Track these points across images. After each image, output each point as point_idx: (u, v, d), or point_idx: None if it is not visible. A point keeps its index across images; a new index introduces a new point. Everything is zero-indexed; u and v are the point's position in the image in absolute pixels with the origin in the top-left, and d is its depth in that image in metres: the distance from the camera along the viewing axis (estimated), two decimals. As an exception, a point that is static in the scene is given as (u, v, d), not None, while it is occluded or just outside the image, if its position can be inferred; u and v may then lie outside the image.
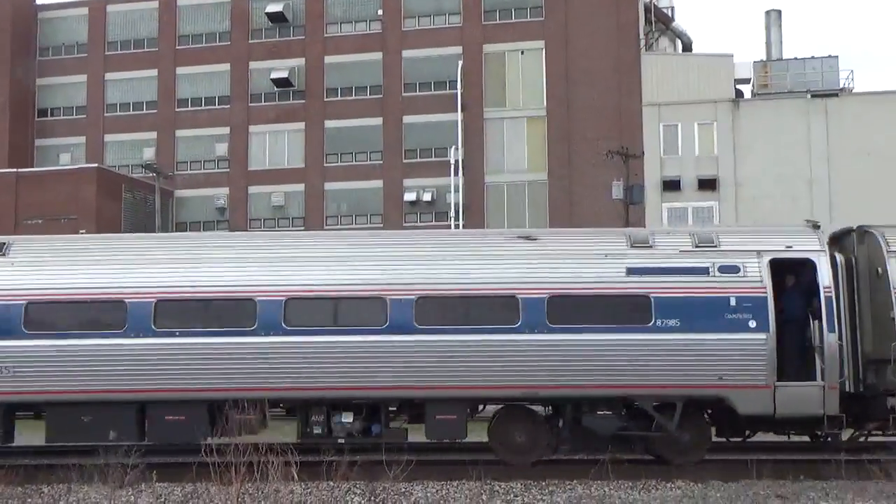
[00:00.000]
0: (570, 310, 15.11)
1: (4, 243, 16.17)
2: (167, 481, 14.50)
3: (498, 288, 15.29)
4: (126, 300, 15.25)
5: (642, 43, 47.80)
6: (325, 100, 50.13)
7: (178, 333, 15.17)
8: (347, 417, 15.44)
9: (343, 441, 15.38)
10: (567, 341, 15.01)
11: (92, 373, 15.13)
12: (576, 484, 14.39)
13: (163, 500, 13.88)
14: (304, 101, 50.35)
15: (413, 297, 15.18)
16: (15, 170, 46.67)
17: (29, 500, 13.80)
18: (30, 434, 17.51)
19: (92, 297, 15.44)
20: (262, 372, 15.08)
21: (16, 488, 13.91)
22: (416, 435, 16.13)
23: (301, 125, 50.25)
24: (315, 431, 15.42)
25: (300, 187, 49.80)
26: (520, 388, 15.15)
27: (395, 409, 16.05)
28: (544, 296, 15.14)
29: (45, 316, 15.37)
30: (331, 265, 15.67)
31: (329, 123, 49.92)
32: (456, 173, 46.54)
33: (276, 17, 50.67)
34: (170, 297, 15.34)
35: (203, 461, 13.07)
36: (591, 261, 15.55)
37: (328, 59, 50.39)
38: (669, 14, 53.56)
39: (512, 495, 13.91)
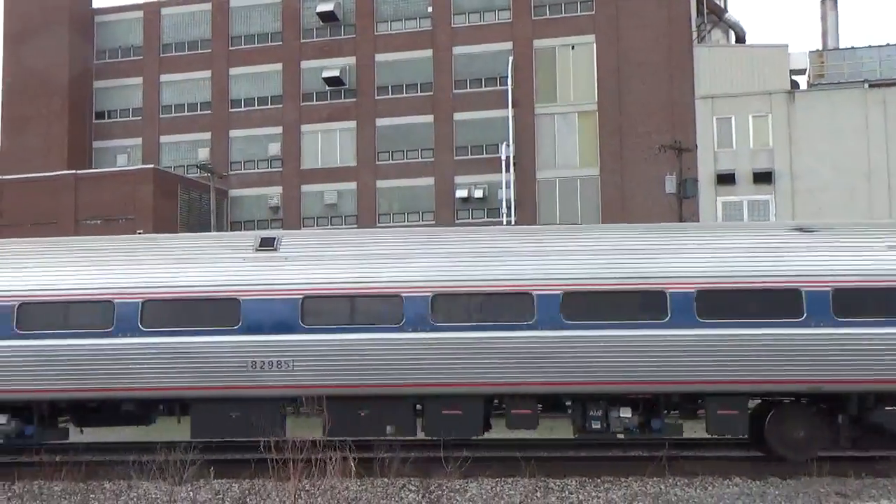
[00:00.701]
0: (854, 302, 14.98)
1: (275, 238, 16.33)
2: (225, 477, 14.70)
3: (779, 281, 15.16)
4: (402, 294, 15.37)
5: (694, 35, 47.26)
6: (377, 98, 50.33)
7: (455, 328, 15.24)
8: (626, 412, 15.39)
9: (622, 436, 15.56)
10: (851, 335, 14.86)
11: (370, 367, 15.27)
12: (631, 481, 14.32)
13: (221, 496, 14.07)
14: (355, 100, 50.60)
15: (693, 290, 15.10)
16: (74, 171, 47.47)
17: (91, 495, 14.06)
18: (91, 430, 17.85)
19: (369, 293, 15.55)
20: (540, 366, 15.09)
21: (79, 484, 14.19)
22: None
23: (353, 123, 50.52)
24: (593, 426, 15.45)
25: (352, 185, 50.07)
26: (804, 381, 15.05)
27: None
28: (828, 289, 14.99)
29: (321, 311, 15.50)
30: (603, 258, 15.64)
31: (380, 121, 50.12)
32: (507, 170, 46.46)
33: (327, 17, 50.96)
34: (446, 291, 15.44)
35: (260, 457, 13.23)
36: (873, 253, 15.46)
37: (379, 58, 50.57)
38: (722, 5, 52.86)
39: (567, 492, 13.88)
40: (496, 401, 16.06)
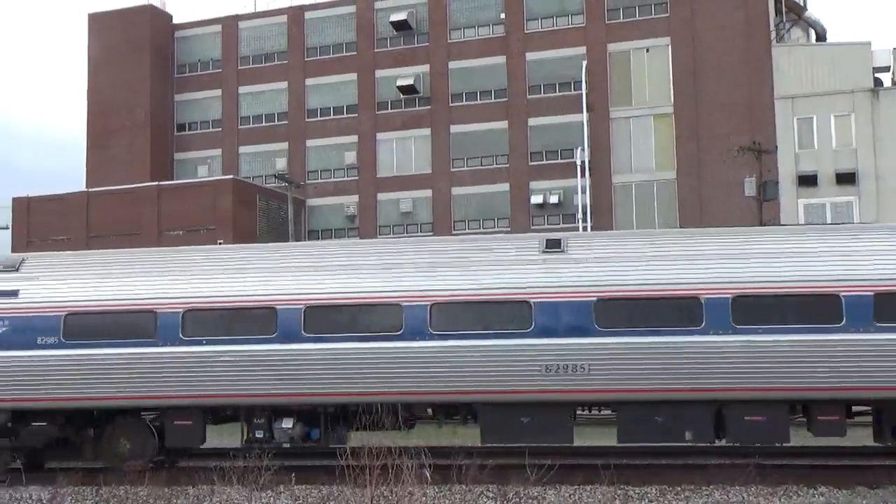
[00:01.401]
0: None
1: (560, 239, 16.18)
2: (304, 483, 14.84)
3: None
4: (702, 297, 15.07)
5: (773, 34, 46.39)
6: (451, 105, 50.48)
7: (761, 331, 14.84)
8: None
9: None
10: None
11: (670, 371, 15.00)
12: (713, 489, 14.05)
13: (300, 501, 14.21)
14: (429, 108, 50.83)
15: (872, 293, 14.85)
16: (157, 183, 48.59)
17: (175, 500, 14.31)
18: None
19: (665, 295, 15.26)
20: (846, 370, 14.72)
21: (163, 489, 14.46)
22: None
23: (427, 131, 50.74)
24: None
25: (428, 193, 50.26)
26: None
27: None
28: None
29: (615, 313, 15.24)
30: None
31: (455, 128, 50.24)
32: (583, 174, 46.17)
33: (401, 26, 51.32)
34: (754, 293, 15.11)
35: (338, 464, 13.32)
36: None
37: (452, 65, 50.73)
38: (802, 3, 51.79)
39: (647, 500, 13.69)
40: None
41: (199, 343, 15.99)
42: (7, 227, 52.60)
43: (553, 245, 15.96)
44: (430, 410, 16.96)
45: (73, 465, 16.77)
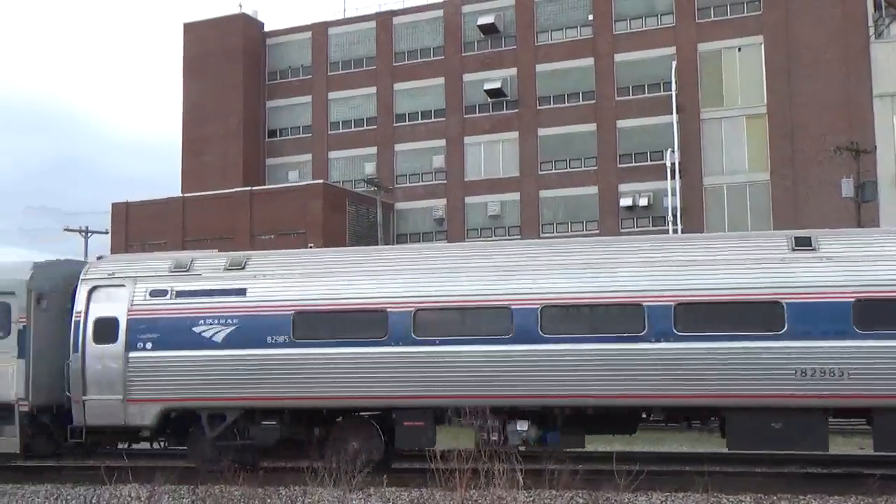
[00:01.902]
0: None
1: (810, 237, 15.72)
2: (395, 486, 14.93)
3: None
4: None
5: (871, 30, 45.04)
6: (538, 108, 50.32)
7: None
8: None
9: None
10: None
11: None
12: (810, 498, 13.69)
13: (392, 503, 14.30)
14: (517, 111, 50.74)
15: None
16: (249, 188, 49.55)
17: (268, 500, 14.54)
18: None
19: None
20: None
21: (256, 489, 14.70)
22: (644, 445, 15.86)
23: (515, 134, 50.67)
24: None
25: (516, 196, 50.18)
26: None
27: None
28: None
29: (878, 314, 14.55)
30: None
31: (542, 131, 50.06)
32: (673, 176, 45.52)
33: (488, 29, 51.36)
34: None
35: (429, 467, 13.37)
36: None
37: (540, 68, 50.56)
38: (901, -2, 50.20)
39: (741, 508, 13.41)
40: None
41: (433, 343, 15.69)
42: (107, 232, 54.32)
43: (803, 243, 15.37)
44: (645, 415, 16.37)
45: (169, 465, 17.17)
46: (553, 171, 49.78)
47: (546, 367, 15.22)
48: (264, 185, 53.01)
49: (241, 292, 16.73)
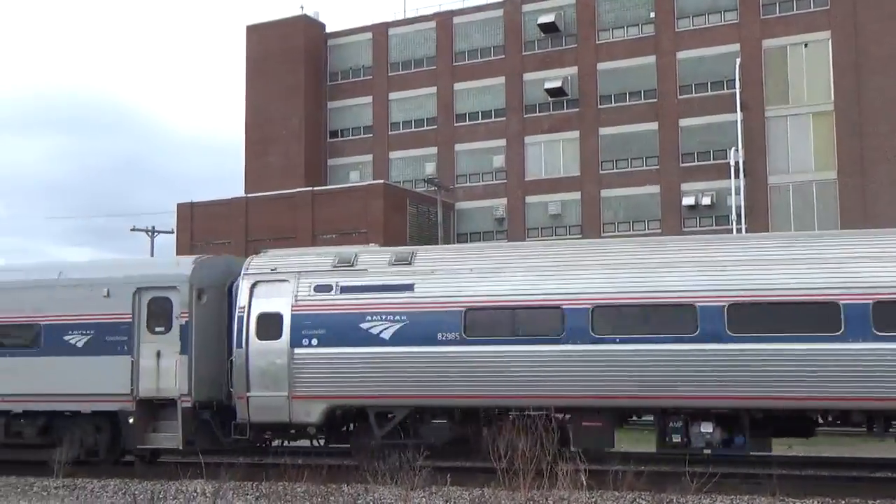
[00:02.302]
0: None
1: None
2: (457, 485, 14.93)
3: None
4: None
5: (943, 25, 43.94)
6: (599, 107, 49.98)
7: None
8: None
9: None
10: None
11: None
12: (880, 503, 13.40)
13: (453, 502, 14.30)
14: (577, 110, 50.45)
15: None
16: (311, 188, 49.97)
17: (332, 497, 14.65)
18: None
19: None
20: None
21: (319, 486, 14.82)
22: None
23: (576, 133, 50.39)
24: None
25: (576, 195, 49.91)
26: None
27: None
28: None
29: None
30: None
31: (603, 130, 49.71)
32: (737, 176, 44.88)
33: (549, 28, 51.14)
34: None
35: (492, 467, 13.35)
36: None
37: (601, 66, 50.21)
38: (975, -9, 48.92)
39: (809, 512, 13.18)
40: None
41: (612, 341, 15.34)
42: (172, 231, 55.23)
43: None
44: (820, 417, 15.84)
45: (234, 461, 17.39)
46: (614, 170, 49.40)
47: (735, 367, 14.73)
48: (326, 185, 53.39)
49: (409, 288, 16.55)
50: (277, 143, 54.99)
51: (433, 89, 54.12)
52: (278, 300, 17.04)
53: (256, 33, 56.95)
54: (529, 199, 51.00)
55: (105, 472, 17.92)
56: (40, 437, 18.53)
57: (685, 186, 47.34)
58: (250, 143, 56.34)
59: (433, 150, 53.52)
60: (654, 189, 48.10)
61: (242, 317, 17.12)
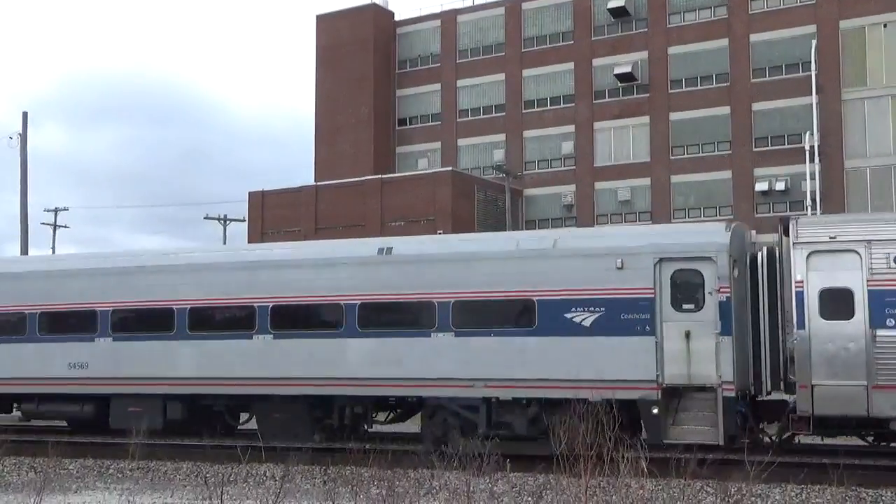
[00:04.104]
0: None
1: None
2: (520, 471, 14.96)
3: None
4: None
5: None
6: (670, 92, 49.35)
7: None
8: None
9: None
10: None
11: None
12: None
13: (517, 489, 14.34)
14: (647, 95, 49.90)
15: None
16: (380, 176, 50.30)
17: (397, 482, 14.78)
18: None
19: None
20: None
21: (385, 471, 14.97)
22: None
23: (645, 119, 49.84)
24: None
25: (646, 181, 49.40)
26: None
27: None
28: None
29: None
30: None
31: (674, 115, 49.09)
32: (812, 160, 43.91)
33: (618, 12, 50.61)
34: None
35: (555, 454, 13.33)
36: None
37: (672, 50, 49.55)
38: None
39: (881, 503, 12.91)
40: None
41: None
42: (244, 220, 56.11)
43: None
44: None
45: (301, 446, 17.67)
46: (685, 155, 48.76)
47: None
48: (394, 173, 53.67)
49: None
50: (347, 131, 55.40)
51: (501, 76, 53.99)
52: (845, 273, 15.08)
53: (326, 23, 57.40)
54: (598, 185, 50.63)
55: (177, 454, 18.34)
56: (531, 428, 16.69)
57: (758, 172, 46.53)
58: (320, 131, 56.86)
59: (501, 137, 53.42)
60: (726, 175, 47.37)
61: (801, 292, 15.19)
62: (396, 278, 17.71)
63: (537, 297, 16.58)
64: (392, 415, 19.21)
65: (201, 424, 19.89)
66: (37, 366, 20.33)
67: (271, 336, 18.43)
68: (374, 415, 18.97)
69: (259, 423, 19.13)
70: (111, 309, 19.90)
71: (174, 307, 19.33)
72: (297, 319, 18.52)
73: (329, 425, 18.59)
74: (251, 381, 18.55)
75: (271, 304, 18.51)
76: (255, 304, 18.57)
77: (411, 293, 17.54)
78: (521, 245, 17.41)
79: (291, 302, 18.46)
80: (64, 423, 22.80)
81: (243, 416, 20.84)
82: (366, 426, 19.05)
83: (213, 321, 19.30)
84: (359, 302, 17.78)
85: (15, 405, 22.34)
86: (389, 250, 18.07)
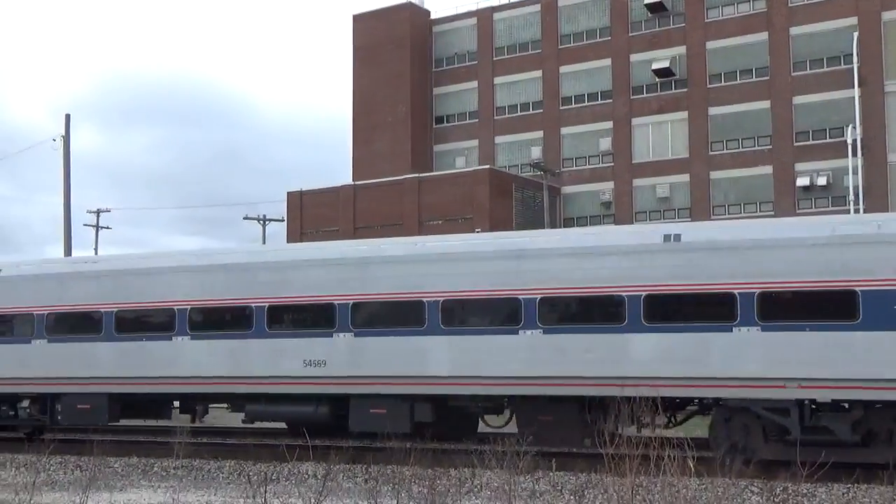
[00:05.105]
0: None
1: None
2: (563, 470, 14.90)
3: None
4: None
5: None
6: (709, 86, 48.90)
7: None
8: None
9: None
10: None
11: None
12: None
13: (559, 487, 14.29)
14: (686, 90, 49.48)
15: None
16: (417, 175, 50.33)
17: (438, 481, 14.79)
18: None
19: None
20: None
21: (426, 470, 14.97)
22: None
23: (684, 114, 49.43)
24: None
25: (685, 178, 49.02)
26: None
27: None
28: None
29: None
30: None
31: (713, 110, 48.65)
32: (854, 154, 43.28)
33: (656, 7, 50.24)
34: None
35: (598, 452, 13.25)
36: None
37: (710, 45, 49.10)
38: None
39: (931, 503, 12.69)
40: None
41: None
42: (282, 220, 56.41)
43: None
44: None
45: (341, 444, 17.72)
46: (724, 151, 48.31)
47: None
48: (432, 171, 53.69)
49: None
50: (384, 130, 55.50)
51: (538, 73, 53.82)
52: None
53: (363, 22, 57.55)
54: (637, 182, 50.30)
55: (220, 453, 18.48)
56: (854, 434, 15.08)
57: (799, 166, 45.98)
58: (357, 130, 57.01)
59: (539, 134, 53.26)
60: (767, 170, 46.87)
61: None
62: (687, 267, 16.02)
63: (861, 287, 14.92)
64: (669, 418, 17.04)
65: (449, 427, 18.42)
66: (265, 364, 18.73)
67: (540, 331, 16.70)
68: (673, 417, 16.97)
69: (520, 425, 17.22)
70: (351, 302, 18.25)
71: (424, 300, 17.58)
72: (570, 312, 16.97)
73: (599, 430, 16.74)
74: (515, 380, 16.91)
75: (539, 297, 16.79)
76: (521, 297, 16.81)
77: (706, 283, 15.86)
78: (839, 231, 15.63)
79: (561, 294, 16.82)
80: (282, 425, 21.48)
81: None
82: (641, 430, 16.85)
83: (469, 315, 17.64)
84: (643, 293, 16.16)
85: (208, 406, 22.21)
86: (678, 237, 16.41)
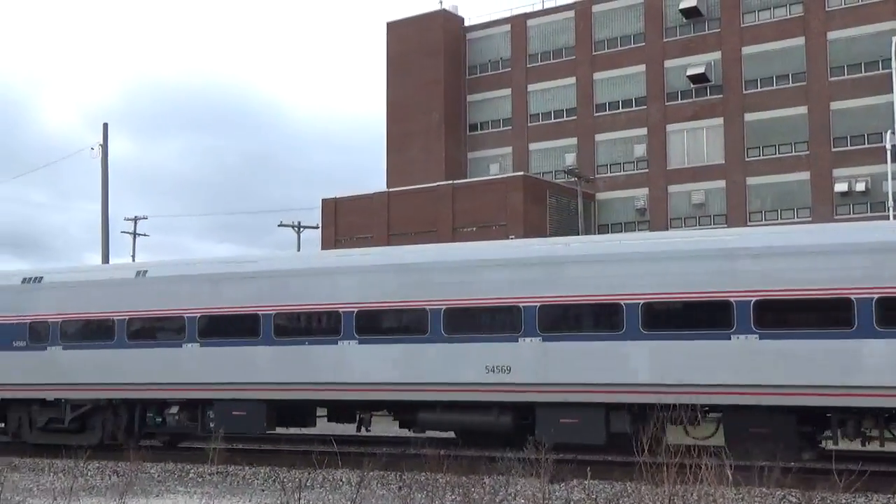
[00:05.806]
0: None
1: None
2: (598, 479, 14.79)
3: None
4: None
5: None
6: (744, 92, 48.55)
7: None
8: None
9: None
10: None
11: None
12: None
13: (594, 497, 14.18)
14: (721, 96, 49.15)
15: None
16: (451, 182, 50.36)
17: (472, 488, 14.74)
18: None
19: None
20: None
21: (461, 477, 14.94)
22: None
23: (720, 120, 49.10)
24: None
25: (721, 184, 48.66)
26: None
27: None
28: None
29: None
30: None
31: (749, 116, 48.27)
32: (893, 159, 42.66)
33: (691, 13, 49.98)
34: None
35: (634, 461, 13.15)
36: None
37: (746, 50, 48.75)
38: None
39: (974, 515, 12.47)
40: None
41: None
42: (317, 227, 56.68)
43: None
44: None
45: (376, 451, 17.73)
46: (761, 157, 47.90)
47: None
48: (466, 178, 53.70)
49: None
50: (418, 137, 55.62)
51: (572, 79, 53.69)
52: None
53: (396, 30, 57.75)
54: (672, 188, 50.01)
55: (255, 459, 18.56)
56: None
57: (837, 172, 45.50)
58: (391, 138, 57.17)
59: (573, 140, 53.12)
60: (804, 175, 46.42)
61: None
62: None
63: None
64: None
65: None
66: (442, 370, 17.72)
67: (756, 336, 15.48)
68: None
69: (728, 435, 16.04)
70: (538, 304, 17.08)
71: (622, 302, 16.42)
72: (791, 315, 15.64)
73: (818, 443, 16.09)
74: (724, 388, 15.73)
75: (754, 299, 15.58)
76: (733, 300, 15.68)
77: None
78: None
79: (783, 296, 15.56)
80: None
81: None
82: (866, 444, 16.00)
83: (674, 318, 16.39)
84: (876, 296, 14.72)
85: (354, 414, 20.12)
86: None
